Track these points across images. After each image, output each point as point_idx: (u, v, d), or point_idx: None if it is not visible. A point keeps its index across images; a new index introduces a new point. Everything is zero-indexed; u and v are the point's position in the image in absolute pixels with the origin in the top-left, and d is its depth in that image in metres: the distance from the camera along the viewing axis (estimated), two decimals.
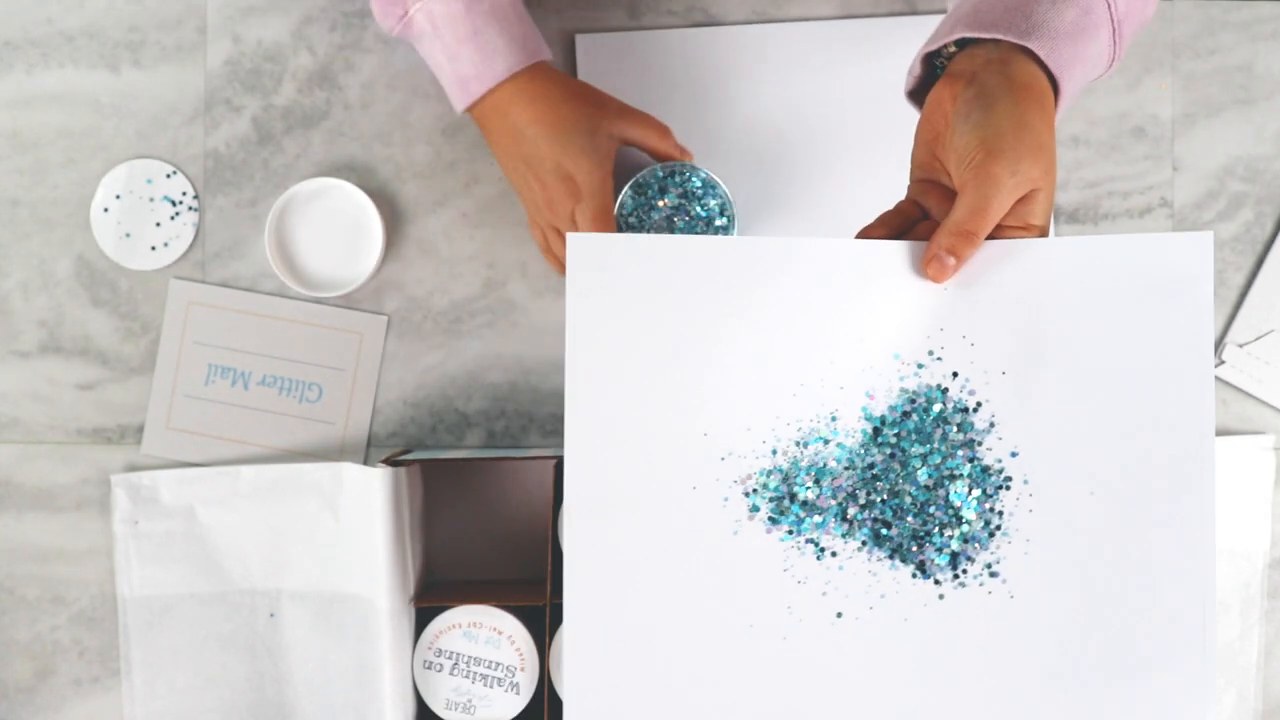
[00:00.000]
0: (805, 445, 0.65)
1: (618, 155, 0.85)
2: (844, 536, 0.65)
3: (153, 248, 0.93)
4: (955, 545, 0.65)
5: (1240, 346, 0.91)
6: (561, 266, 0.88)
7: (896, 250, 0.65)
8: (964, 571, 0.65)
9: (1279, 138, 0.92)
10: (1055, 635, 0.64)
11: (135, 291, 0.93)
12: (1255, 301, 0.92)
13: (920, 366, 0.65)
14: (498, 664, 0.86)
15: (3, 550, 0.93)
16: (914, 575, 0.65)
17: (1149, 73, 0.92)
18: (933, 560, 0.65)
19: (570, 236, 0.65)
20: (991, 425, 0.65)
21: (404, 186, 0.93)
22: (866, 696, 0.64)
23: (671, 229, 0.86)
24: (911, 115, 0.71)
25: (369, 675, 0.87)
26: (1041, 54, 0.65)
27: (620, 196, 0.87)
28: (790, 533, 0.65)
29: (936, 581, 0.65)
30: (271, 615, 0.91)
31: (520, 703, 0.87)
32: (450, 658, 0.87)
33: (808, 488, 0.65)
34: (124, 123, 0.93)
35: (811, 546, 0.65)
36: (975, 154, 0.63)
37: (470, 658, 0.87)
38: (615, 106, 0.84)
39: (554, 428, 0.93)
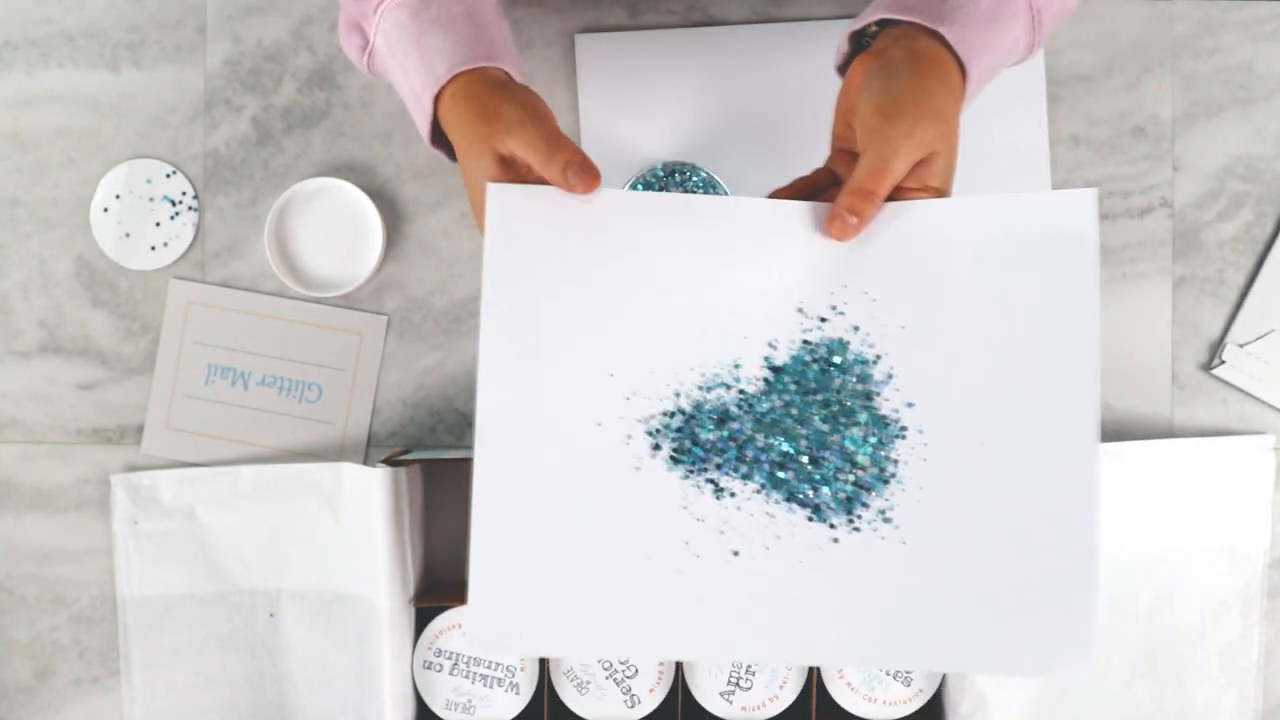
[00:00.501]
0: (708, 390, 0.67)
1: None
2: (743, 478, 0.66)
3: (152, 248, 0.93)
4: (849, 491, 0.66)
5: (1240, 346, 0.91)
6: None
7: (803, 210, 0.68)
8: (858, 517, 0.66)
9: (1279, 138, 0.92)
10: (945, 580, 0.65)
11: (135, 291, 0.93)
12: (1255, 301, 0.92)
13: (823, 320, 0.67)
14: (497, 664, 0.86)
15: (3, 550, 0.93)
16: (809, 519, 0.66)
17: (1149, 73, 0.92)
18: (828, 504, 0.66)
19: (490, 186, 0.66)
20: (890, 377, 0.67)
21: (404, 186, 0.93)
22: (761, 632, 0.66)
23: None
24: None
25: (369, 675, 0.87)
26: (950, 38, 0.67)
27: None
28: (691, 472, 0.66)
29: (831, 525, 0.66)
30: (271, 615, 0.91)
31: (520, 703, 0.87)
32: (450, 658, 0.87)
33: (709, 430, 0.67)
34: (124, 123, 0.93)
35: (710, 486, 0.66)
36: (874, 118, 0.66)
37: (470, 658, 0.87)
38: (507, 121, 0.69)
39: None
